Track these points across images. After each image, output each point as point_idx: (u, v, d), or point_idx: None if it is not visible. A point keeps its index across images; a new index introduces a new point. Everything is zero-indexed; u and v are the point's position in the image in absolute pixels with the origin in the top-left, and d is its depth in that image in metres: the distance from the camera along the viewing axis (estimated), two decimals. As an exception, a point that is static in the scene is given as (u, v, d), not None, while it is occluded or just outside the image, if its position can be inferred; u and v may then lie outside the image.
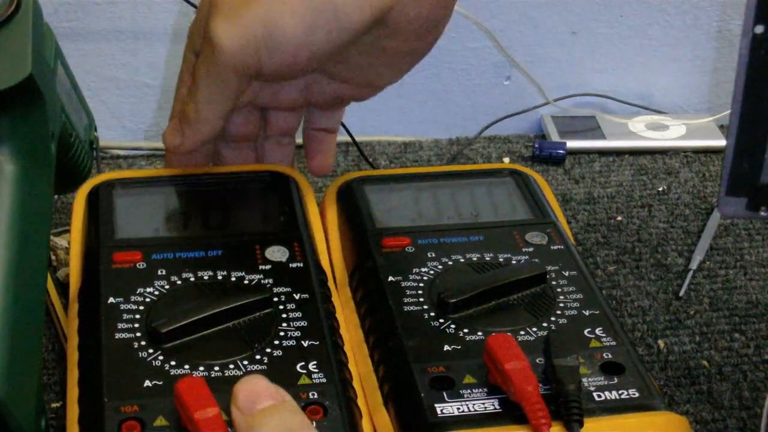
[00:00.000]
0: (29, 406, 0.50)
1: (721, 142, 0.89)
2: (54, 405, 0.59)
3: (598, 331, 0.53)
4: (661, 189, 0.84)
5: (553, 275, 0.57)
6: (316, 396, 0.49)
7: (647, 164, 0.88)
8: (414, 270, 0.57)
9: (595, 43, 0.96)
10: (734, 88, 0.50)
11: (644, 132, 0.92)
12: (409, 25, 0.58)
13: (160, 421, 0.46)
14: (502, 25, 0.94)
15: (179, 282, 0.54)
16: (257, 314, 0.52)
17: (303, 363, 0.50)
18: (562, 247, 0.59)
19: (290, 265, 0.56)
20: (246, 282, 0.54)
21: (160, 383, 0.48)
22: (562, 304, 0.55)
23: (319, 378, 0.50)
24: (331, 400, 0.48)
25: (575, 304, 0.55)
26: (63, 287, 0.65)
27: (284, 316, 0.53)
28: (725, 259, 0.75)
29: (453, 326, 0.53)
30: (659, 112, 0.97)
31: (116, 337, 0.50)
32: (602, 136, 0.92)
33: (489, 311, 0.54)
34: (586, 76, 0.98)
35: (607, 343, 0.52)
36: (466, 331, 0.53)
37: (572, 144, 0.89)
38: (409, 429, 0.48)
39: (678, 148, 0.90)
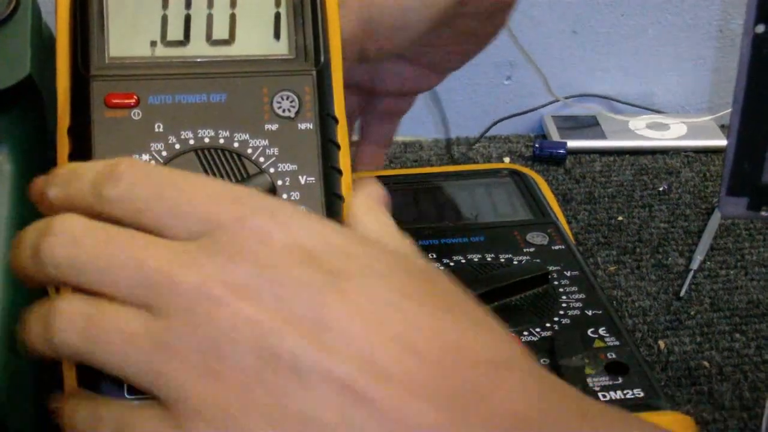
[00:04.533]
0: (27, 406, 0.50)
1: (722, 142, 0.89)
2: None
3: (601, 330, 0.53)
4: (661, 189, 0.84)
5: (555, 275, 0.57)
6: None
7: (648, 164, 0.88)
8: None
9: (596, 43, 0.96)
10: (735, 88, 0.50)
11: (645, 132, 0.92)
12: (483, 4, 0.58)
13: None
14: (502, 25, 0.94)
15: None
16: None
17: None
18: (563, 247, 0.59)
19: None
20: None
21: None
22: (564, 305, 0.55)
23: None
24: None
25: (578, 304, 0.55)
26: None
27: None
28: (726, 259, 0.75)
29: None
30: (660, 112, 0.97)
31: None
32: (603, 136, 0.91)
33: (492, 312, 0.54)
34: (586, 75, 0.98)
35: (611, 343, 0.53)
36: None
37: (573, 144, 0.89)
38: None
39: (679, 147, 0.90)
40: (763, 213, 0.51)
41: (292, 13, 0.53)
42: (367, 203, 0.44)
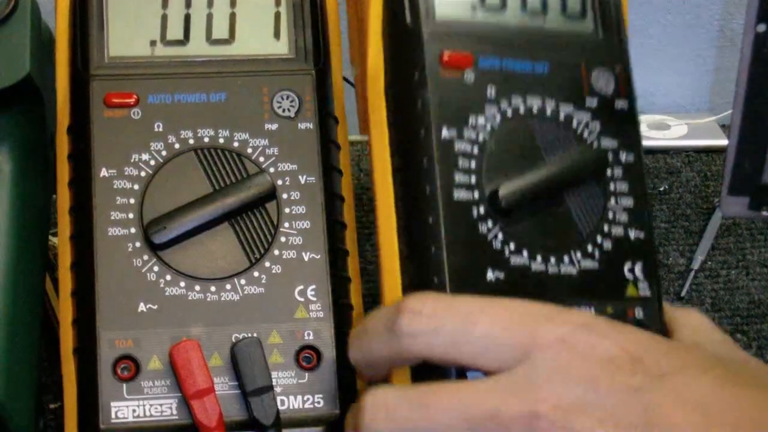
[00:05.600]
0: (28, 406, 0.50)
1: (723, 142, 0.89)
2: (52, 406, 0.58)
3: (637, 269, 0.47)
4: (662, 188, 0.84)
5: (611, 158, 0.48)
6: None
7: (648, 164, 0.88)
8: (471, 120, 0.47)
9: (597, 43, 0.96)
10: (736, 88, 0.50)
11: (646, 131, 0.92)
12: None
13: None
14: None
15: None
16: None
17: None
18: (626, 106, 0.50)
19: None
20: None
21: None
22: (611, 214, 0.47)
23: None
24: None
25: (624, 217, 0.47)
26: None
27: None
28: (727, 259, 0.75)
29: (501, 237, 0.46)
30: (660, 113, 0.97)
31: None
32: (603, 136, 0.91)
33: (538, 217, 0.46)
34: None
35: (643, 293, 0.47)
36: (512, 248, 0.46)
37: (573, 143, 0.89)
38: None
39: (679, 147, 0.90)
40: (764, 212, 0.50)
41: (292, 13, 0.53)
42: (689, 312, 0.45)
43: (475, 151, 0.46)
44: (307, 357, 0.48)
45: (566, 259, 0.46)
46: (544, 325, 0.38)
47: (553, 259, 0.46)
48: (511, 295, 0.42)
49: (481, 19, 0.50)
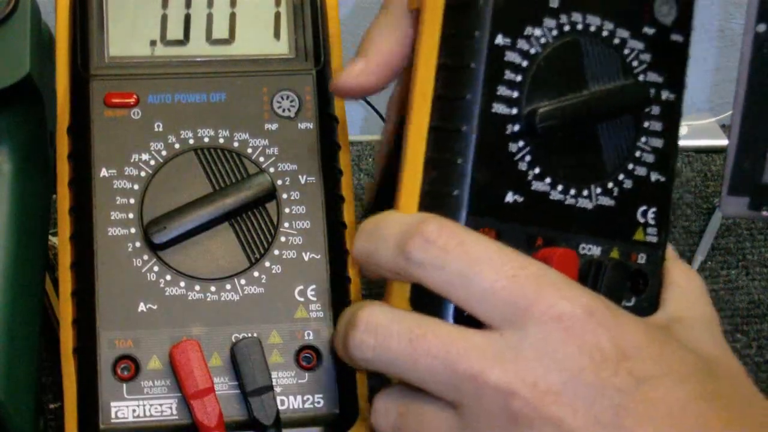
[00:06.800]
0: (27, 406, 0.50)
1: (723, 142, 0.89)
2: (52, 406, 0.58)
3: (650, 214, 0.46)
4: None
5: (652, 93, 0.46)
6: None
7: (649, 164, 0.88)
8: (527, 30, 0.43)
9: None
10: (736, 88, 0.50)
11: (646, 131, 0.92)
12: None
13: None
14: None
15: None
16: None
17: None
18: (681, 40, 0.46)
19: None
20: None
21: None
22: (638, 153, 0.45)
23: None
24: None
25: (650, 158, 0.46)
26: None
27: None
28: (727, 259, 0.75)
29: (528, 159, 0.43)
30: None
31: None
32: (603, 136, 0.91)
33: (568, 144, 0.44)
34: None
35: (650, 239, 0.45)
36: (536, 171, 0.43)
37: (573, 143, 0.89)
38: None
39: (680, 147, 0.90)
40: (765, 212, 0.50)
41: (292, 13, 0.53)
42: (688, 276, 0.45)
43: (525, 63, 0.43)
44: (306, 357, 0.48)
45: (585, 192, 0.44)
46: (546, 293, 0.37)
47: (573, 191, 0.44)
48: (524, 220, 0.42)
49: None
